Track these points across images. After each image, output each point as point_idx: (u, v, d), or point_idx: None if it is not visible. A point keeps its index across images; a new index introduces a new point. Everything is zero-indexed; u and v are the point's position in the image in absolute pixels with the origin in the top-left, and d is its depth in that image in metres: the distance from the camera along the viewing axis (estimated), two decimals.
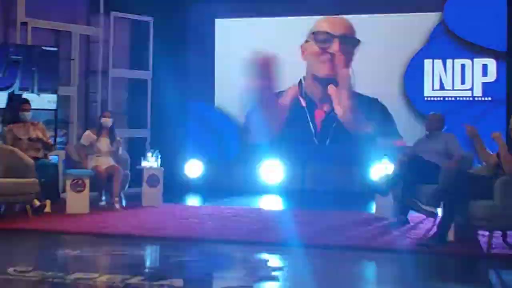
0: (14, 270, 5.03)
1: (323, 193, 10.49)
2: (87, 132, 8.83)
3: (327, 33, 10.87)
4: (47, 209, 7.97)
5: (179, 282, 4.78)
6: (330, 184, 10.78)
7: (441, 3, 10.34)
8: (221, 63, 11.29)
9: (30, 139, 8.27)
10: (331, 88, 10.78)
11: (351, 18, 10.80)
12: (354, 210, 8.70)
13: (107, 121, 8.75)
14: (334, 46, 10.78)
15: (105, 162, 8.59)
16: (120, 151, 8.94)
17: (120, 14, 10.61)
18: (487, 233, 6.00)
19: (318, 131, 10.86)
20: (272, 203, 9.75)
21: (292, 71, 10.94)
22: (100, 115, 9.00)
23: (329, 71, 10.84)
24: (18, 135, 8.27)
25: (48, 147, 8.48)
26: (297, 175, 10.97)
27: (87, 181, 8.09)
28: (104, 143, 8.69)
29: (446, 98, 10.35)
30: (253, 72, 11.05)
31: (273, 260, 5.56)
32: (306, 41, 10.96)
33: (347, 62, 10.77)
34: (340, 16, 10.88)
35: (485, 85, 10.22)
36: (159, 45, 11.03)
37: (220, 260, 5.79)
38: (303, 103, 10.94)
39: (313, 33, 10.93)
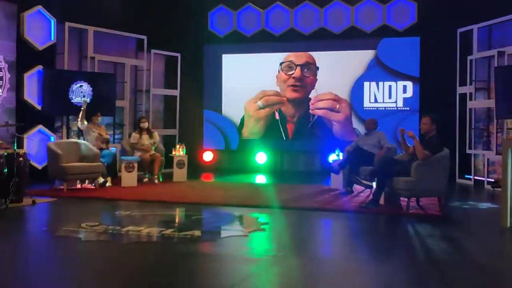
0: (86, 225, 5.04)
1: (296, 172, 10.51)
2: (133, 134, 8.81)
3: (291, 61, 10.71)
4: (109, 183, 7.96)
5: (198, 232, 4.79)
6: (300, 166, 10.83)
7: (375, 44, 10.33)
8: (227, 84, 11.22)
9: (99, 135, 8.23)
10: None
11: (313, 54, 10.71)
12: (317, 183, 8.70)
13: (144, 124, 8.73)
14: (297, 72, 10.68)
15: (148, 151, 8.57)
16: (157, 141, 8.87)
17: (157, 51, 10.56)
18: (406, 199, 6.04)
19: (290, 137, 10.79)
20: (260, 179, 9.73)
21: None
22: (139, 120, 8.93)
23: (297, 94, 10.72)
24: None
25: (107, 141, 8.41)
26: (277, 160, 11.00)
27: (136, 165, 8.06)
28: (145, 139, 8.68)
29: (379, 108, 10.33)
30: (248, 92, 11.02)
31: (262, 217, 5.55)
32: (279, 71, 10.82)
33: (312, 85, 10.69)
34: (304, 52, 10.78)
35: (405, 99, 10.19)
36: (185, 72, 10.99)
37: (225, 218, 5.77)
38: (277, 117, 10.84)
39: (280, 63, 10.79)
